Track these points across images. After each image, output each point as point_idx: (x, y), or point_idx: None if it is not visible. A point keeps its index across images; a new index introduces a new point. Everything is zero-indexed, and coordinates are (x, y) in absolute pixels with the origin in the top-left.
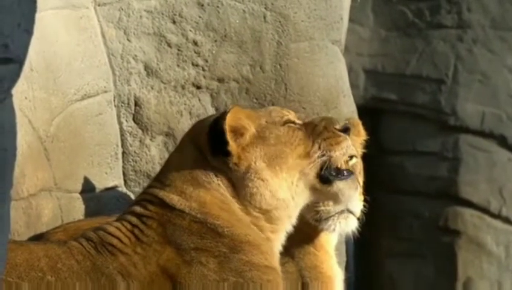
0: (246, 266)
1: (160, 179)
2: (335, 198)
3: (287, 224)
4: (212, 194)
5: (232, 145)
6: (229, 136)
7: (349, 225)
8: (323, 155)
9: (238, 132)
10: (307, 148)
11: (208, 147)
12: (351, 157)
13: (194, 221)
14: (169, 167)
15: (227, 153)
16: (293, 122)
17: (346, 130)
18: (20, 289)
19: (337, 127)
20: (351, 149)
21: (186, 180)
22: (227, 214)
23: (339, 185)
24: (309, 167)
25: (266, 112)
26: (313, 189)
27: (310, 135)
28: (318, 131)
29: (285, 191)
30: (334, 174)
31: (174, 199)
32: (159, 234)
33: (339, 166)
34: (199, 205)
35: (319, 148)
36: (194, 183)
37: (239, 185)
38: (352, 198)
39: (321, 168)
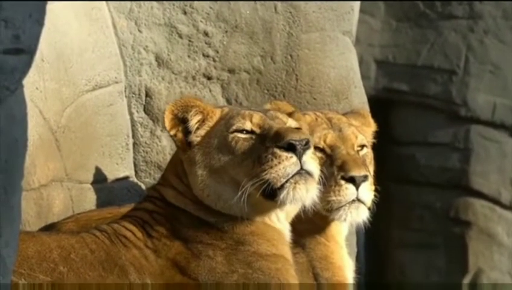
0: (252, 256)
1: (163, 172)
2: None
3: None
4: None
5: (177, 135)
6: (168, 125)
7: (360, 214)
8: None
9: (186, 125)
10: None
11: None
12: (362, 147)
13: (193, 217)
14: (170, 159)
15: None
16: (247, 131)
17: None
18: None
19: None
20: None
21: (174, 173)
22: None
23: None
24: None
25: (229, 116)
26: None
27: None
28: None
29: (232, 196)
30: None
31: (170, 194)
32: (168, 229)
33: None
34: (191, 201)
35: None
36: (179, 176)
37: (191, 182)
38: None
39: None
